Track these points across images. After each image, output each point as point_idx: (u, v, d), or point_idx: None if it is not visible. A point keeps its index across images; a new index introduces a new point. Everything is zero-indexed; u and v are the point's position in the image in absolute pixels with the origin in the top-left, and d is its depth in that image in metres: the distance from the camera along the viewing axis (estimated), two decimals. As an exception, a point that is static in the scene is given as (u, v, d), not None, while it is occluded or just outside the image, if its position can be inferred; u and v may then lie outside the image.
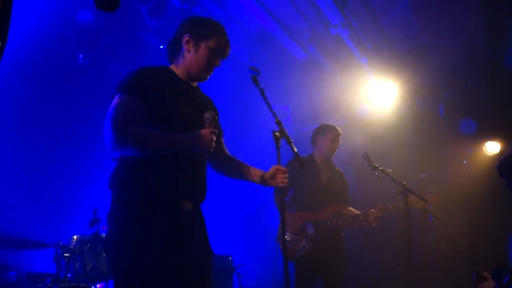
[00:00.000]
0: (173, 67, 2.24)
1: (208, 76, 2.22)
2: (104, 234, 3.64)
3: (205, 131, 1.99)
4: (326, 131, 4.24)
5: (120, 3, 1.02)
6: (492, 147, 5.99)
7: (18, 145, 4.39)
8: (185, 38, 2.16)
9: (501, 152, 5.95)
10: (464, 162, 6.14)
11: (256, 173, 2.34)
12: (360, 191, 5.33)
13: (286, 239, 3.97)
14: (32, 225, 4.01)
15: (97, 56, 5.21)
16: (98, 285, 3.64)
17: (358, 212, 4.08)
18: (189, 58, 2.15)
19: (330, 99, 6.54)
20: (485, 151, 6.01)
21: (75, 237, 3.49)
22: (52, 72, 4.76)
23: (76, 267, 3.35)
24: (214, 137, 2.02)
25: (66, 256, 3.33)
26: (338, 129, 4.28)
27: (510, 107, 5.62)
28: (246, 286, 5.12)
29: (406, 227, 3.55)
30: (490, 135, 5.98)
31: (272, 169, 2.29)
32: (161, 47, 5.62)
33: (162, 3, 4.86)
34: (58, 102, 4.74)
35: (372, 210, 3.95)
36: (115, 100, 1.94)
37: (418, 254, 4.99)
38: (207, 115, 2.05)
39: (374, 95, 6.24)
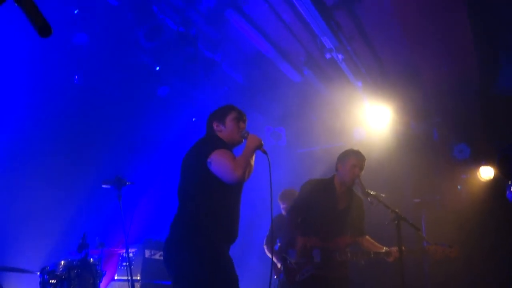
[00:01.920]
0: None
1: (242, 139, 2.93)
2: (92, 259, 3.60)
3: (253, 135, 2.85)
4: (348, 156, 3.94)
5: (52, 32, 1.03)
6: (486, 172, 5.98)
7: (3, 169, 4.33)
8: (214, 124, 2.95)
9: (495, 178, 5.95)
10: (459, 187, 6.13)
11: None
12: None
13: (290, 261, 3.90)
14: (18, 250, 3.95)
15: (93, 76, 5.23)
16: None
17: (379, 246, 3.92)
18: (224, 134, 2.91)
19: (325, 122, 6.55)
20: (479, 176, 6.00)
21: (62, 262, 3.42)
22: (48, 93, 4.77)
23: (63, 293, 3.28)
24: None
25: (52, 282, 3.27)
26: (362, 154, 3.96)
27: (503, 132, 5.65)
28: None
29: (399, 254, 3.51)
30: (484, 160, 5.98)
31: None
32: (157, 68, 5.66)
33: (158, 26, 4.89)
34: (51, 123, 4.72)
35: (394, 249, 3.73)
36: (219, 154, 2.68)
37: (413, 279, 4.96)
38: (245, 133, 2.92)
39: (369, 119, 6.26)
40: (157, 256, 4.21)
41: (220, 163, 2.65)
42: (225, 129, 2.92)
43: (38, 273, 3.44)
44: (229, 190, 2.72)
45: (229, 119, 2.95)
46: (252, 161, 2.76)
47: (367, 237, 4.08)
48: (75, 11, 4.54)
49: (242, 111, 3.04)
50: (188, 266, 2.54)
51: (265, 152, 2.83)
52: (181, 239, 2.64)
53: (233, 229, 2.77)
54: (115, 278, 4.11)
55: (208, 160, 2.66)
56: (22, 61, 4.44)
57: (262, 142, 2.83)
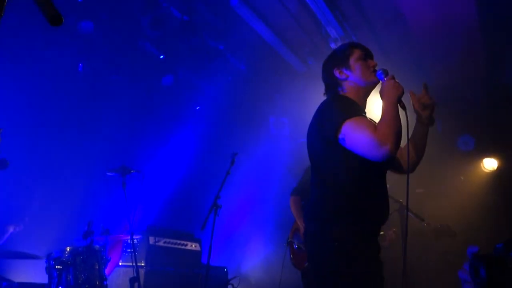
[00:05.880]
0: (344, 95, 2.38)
1: (377, 78, 2.29)
2: (97, 246, 3.64)
3: (389, 82, 2.18)
4: None
5: (62, 22, 1.03)
6: (490, 164, 5.99)
7: (14, 155, 4.36)
8: (336, 71, 2.34)
9: (498, 169, 5.95)
10: (462, 178, 6.13)
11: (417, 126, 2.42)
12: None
13: (298, 245, 3.76)
14: (25, 237, 3.99)
15: (97, 65, 5.23)
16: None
17: None
18: (352, 80, 2.32)
19: (328, 112, 6.53)
20: (482, 168, 6.01)
21: (68, 248, 3.47)
22: (52, 81, 4.78)
23: (68, 279, 3.33)
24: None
25: (58, 268, 3.32)
26: None
27: (508, 124, 5.63)
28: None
29: (403, 244, 3.54)
30: (488, 151, 5.98)
31: (416, 101, 2.38)
32: (161, 57, 5.65)
33: (162, 14, 4.88)
34: (56, 111, 4.74)
35: (390, 231, 3.74)
36: (354, 126, 2.07)
37: (415, 269, 4.99)
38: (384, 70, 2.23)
39: (373, 109, 6.23)
40: (161, 243, 4.25)
41: (358, 138, 2.05)
42: (353, 74, 2.31)
43: (44, 259, 3.49)
44: (372, 165, 2.11)
45: (354, 60, 2.33)
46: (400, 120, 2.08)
47: None
48: (80, -1, 4.53)
49: (365, 46, 2.40)
50: (326, 263, 2.10)
51: (403, 108, 2.18)
52: (317, 233, 2.17)
53: (381, 210, 2.22)
54: (120, 264, 4.16)
55: (340, 136, 2.09)
56: (26, 48, 4.44)
57: (403, 89, 2.16)
